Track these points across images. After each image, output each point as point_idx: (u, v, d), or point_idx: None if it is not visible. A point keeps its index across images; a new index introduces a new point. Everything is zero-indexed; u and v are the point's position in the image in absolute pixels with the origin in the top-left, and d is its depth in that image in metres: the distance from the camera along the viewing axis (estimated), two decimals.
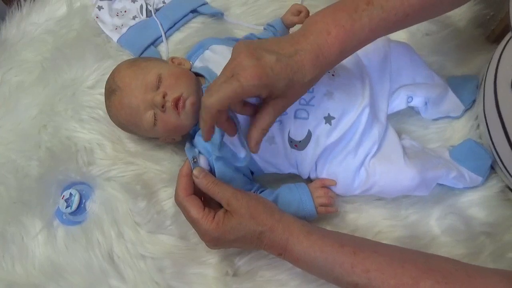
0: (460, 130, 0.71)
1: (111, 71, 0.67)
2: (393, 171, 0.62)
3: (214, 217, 0.53)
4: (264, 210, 0.53)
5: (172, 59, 0.70)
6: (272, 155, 0.64)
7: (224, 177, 0.60)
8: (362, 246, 0.50)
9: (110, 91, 0.65)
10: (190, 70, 0.68)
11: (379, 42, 0.68)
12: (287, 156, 0.63)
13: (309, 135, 0.62)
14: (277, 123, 0.62)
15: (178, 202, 0.55)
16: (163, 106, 0.61)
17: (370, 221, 0.66)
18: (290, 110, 0.62)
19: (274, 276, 0.61)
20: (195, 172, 0.56)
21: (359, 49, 0.52)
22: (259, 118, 0.50)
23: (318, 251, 0.49)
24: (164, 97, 0.61)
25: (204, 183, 0.55)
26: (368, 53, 0.67)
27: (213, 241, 0.53)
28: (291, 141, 0.62)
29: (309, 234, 0.51)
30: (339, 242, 0.50)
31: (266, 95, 0.49)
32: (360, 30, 0.49)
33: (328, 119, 0.62)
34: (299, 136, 0.62)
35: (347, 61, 0.66)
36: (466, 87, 0.72)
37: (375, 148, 0.63)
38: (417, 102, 0.70)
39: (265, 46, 0.48)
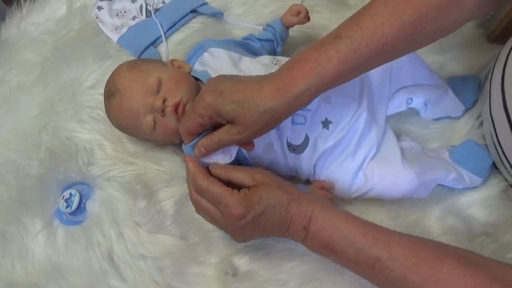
0: (460, 130, 0.71)
1: (111, 72, 0.67)
2: (392, 175, 0.62)
3: (239, 191, 0.52)
4: (288, 183, 0.54)
5: (172, 61, 0.69)
6: (271, 161, 0.64)
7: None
8: (381, 227, 0.50)
9: (110, 93, 0.65)
10: (190, 73, 0.68)
11: None
12: (285, 160, 0.63)
13: (306, 139, 0.62)
14: (275, 130, 0.61)
15: (198, 183, 0.53)
16: (163, 111, 0.61)
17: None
18: None
19: (274, 276, 0.61)
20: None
21: (336, 83, 0.51)
22: (215, 131, 0.52)
23: (343, 220, 0.50)
24: (164, 102, 0.61)
25: (219, 168, 0.55)
26: None
27: (241, 216, 0.50)
28: (289, 145, 0.62)
29: (332, 207, 0.52)
30: (360, 219, 0.51)
31: (221, 118, 0.50)
32: (326, 61, 0.48)
33: (326, 123, 0.62)
34: (297, 141, 0.62)
35: None
36: (466, 87, 0.72)
37: (373, 151, 0.62)
38: (417, 103, 0.70)
39: (231, 76, 0.52)
